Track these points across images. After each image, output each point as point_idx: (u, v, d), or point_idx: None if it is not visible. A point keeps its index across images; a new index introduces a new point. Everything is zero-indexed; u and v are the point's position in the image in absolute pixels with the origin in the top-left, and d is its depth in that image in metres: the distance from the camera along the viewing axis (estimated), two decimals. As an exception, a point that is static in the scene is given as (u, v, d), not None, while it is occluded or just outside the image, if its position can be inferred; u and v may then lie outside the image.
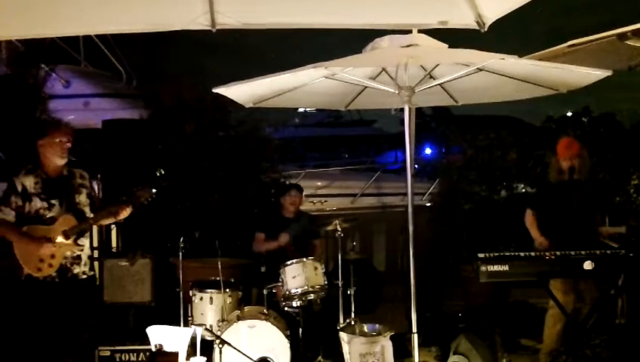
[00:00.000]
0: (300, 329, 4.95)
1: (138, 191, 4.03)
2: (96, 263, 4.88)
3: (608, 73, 3.79)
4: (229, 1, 3.67)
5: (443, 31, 3.92)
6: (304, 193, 6.20)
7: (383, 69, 4.12)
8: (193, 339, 4.06)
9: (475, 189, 7.73)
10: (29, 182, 3.86)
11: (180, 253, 4.90)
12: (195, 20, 3.71)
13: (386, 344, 4.58)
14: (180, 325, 4.77)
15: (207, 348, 4.33)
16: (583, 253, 4.41)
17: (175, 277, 5.04)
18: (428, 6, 3.90)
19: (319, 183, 10.61)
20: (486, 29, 3.86)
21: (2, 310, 4.67)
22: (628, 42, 4.03)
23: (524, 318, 5.92)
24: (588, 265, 4.36)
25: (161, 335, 4.00)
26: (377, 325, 4.89)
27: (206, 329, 4.51)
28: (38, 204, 3.85)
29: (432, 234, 7.66)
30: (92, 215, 4.01)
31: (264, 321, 4.65)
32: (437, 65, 4.07)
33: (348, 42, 4.34)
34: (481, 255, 4.43)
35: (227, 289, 4.89)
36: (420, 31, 3.87)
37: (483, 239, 7.06)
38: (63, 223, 3.85)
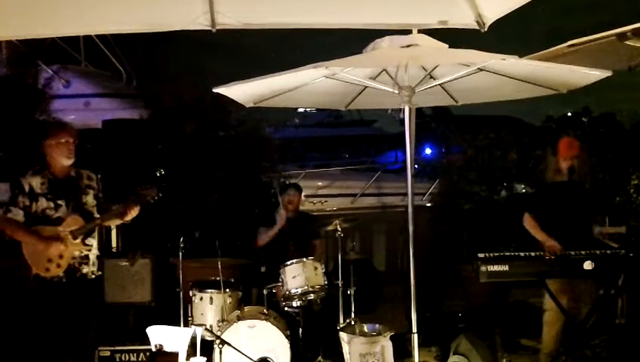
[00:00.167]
0: (300, 329, 4.96)
1: (143, 190, 4.03)
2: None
3: (608, 73, 3.79)
4: (229, 2, 3.67)
5: (443, 31, 3.92)
6: (305, 193, 6.20)
7: (384, 69, 4.12)
8: (193, 339, 4.06)
9: (475, 189, 7.74)
10: (36, 183, 3.87)
11: (180, 253, 4.90)
12: (195, 20, 3.71)
13: (386, 344, 4.58)
14: (180, 325, 4.77)
15: (207, 348, 4.33)
16: (583, 253, 4.42)
17: (175, 277, 5.04)
18: (428, 6, 3.90)
19: (319, 183, 10.60)
20: (486, 29, 3.86)
21: (10, 309, 4.68)
22: (628, 42, 4.03)
23: (524, 318, 5.91)
24: (588, 265, 4.37)
25: (161, 336, 4.00)
26: (377, 325, 4.89)
27: (206, 329, 4.51)
28: (44, 204, 3.86)
29: (432, 234, 7.66)
30: (99, 215, 4.02)
31: (264, 321, 4.65)
32: (437, 65, 4.06)
33: (348, 42, 4.35)
34: (481, 255, 4.43)
35: (227, 289, 4.89)
36: (420, 31, 3.87)
37: (483, 239, 7.05)
38: (70, 223, 3.86)
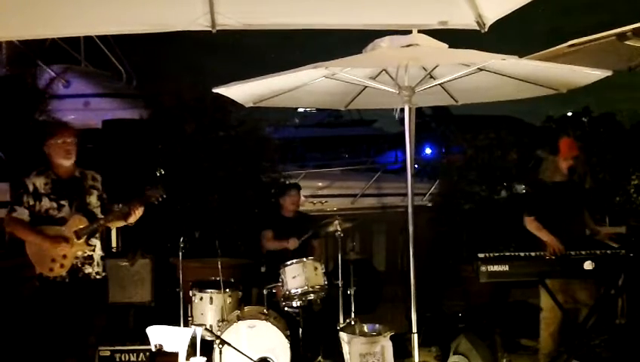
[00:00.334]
0: (300, 329, 4.96)
1: (149, 190, 4.03)
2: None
3: (608, 73, 3.79)
4: (229, 2, 3.66)
5: (443, 31, 3.91)
6: (305, 193, 6.20)
7: (384, 69, 4.12)
8: (193, 339, 4.05)
9: (475, 189, 7.73)
10: (40, 183, 3.89)
11: (180, 253, 4.90)
12: (196, 21, 3.70)
13: (386, 344, 4.58)
14: (180, 325, 4.77)
15: (207, 348, 4.32)
16: (583, 253, 4.42)
17: (175, 277, 5.04)
18: (428, 6, 3.89)
19: (320, 184, 10.60)
20: (486, 30, 3.85)
21: (14, 308, 4.69)
22: (628, 42, 4.02)
23: (524, 318, 5.90)
24: (588, 265, 4.37)
25: (161, 336, 4.00)
26: (377, 325, 4.89)
27: (206, 329, 4.51)
28: (47, 203, 3.87)
29: (432, 234, 7.66)
30: (102, 216, 4.02)
31: (264, 321, 4.65)
32: (437, 65, 4.07)
33: (348, 42, 4.34)
34: (481, 255, 4.43)
35: (227, 289, 4.89)
36: (420, 31, 3.87)
37: (483, 239, 7.05)
38: (74, 223, 3.87)
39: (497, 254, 4.45)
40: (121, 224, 4.11)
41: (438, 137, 17.04)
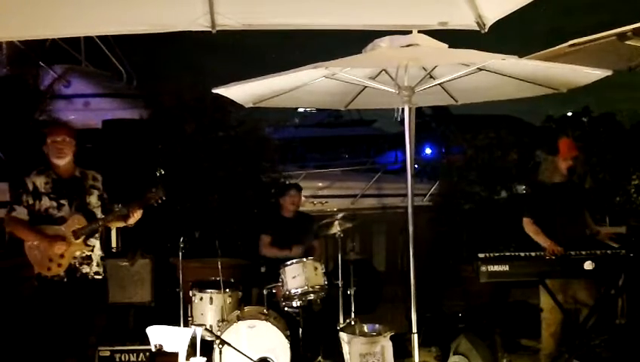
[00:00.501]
0: (300, 329, 4.96)
1: (150, 192, 4.02)
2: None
3: (608, 73, 3.79)
4: (229, 2, 3.66)
5: (443, 31, 3.92)
6: (305, 194, 6.20)
7: (383, 69, 4.12)
8: (193, 339, 4.05)
9: (475, 189, 7.73)
10: (40, 182, 3.90)
11: (180, 253, 4.90)
12: (196, 21, 3.70)
13: (386, 344, 4.59)
14: (180, 325, 4.77)
15: (207, 349, 4.32)
16: (583, 253, 4.42)
17: (175, 277, 5.05)
18: (428, 7, 3.89)
19: (320, 184, 10.60)
20: (486, 30, 3.85)
21: (12, 308, 4.69)
22: (628, 42, 4.03)
23: (524, 318, 5.91)
24: (588, 265, 4.37)
25: (161, 336, 4.00)
26: (377, 325, 4.89)
27: (206, 329, 4.51)
28: (47, 203, 3.88)
29: (432, 235, 7.67)
30: (102, 216, 4.02)
31: (264, 321, 4.65)
32: (437, 65, 4.07)
33: (348, 42, 4.34)
34: (481, 255, 4.43)
35: (227, 290, 4.90)
36: (419, 31, 3.87)
37: (483, 239, 7.05)
38: (72, 223, 3.87)
39: (497, 254, 4.45)
40: (121, 225, 4.11)
41: (438, 137, 17.03)
